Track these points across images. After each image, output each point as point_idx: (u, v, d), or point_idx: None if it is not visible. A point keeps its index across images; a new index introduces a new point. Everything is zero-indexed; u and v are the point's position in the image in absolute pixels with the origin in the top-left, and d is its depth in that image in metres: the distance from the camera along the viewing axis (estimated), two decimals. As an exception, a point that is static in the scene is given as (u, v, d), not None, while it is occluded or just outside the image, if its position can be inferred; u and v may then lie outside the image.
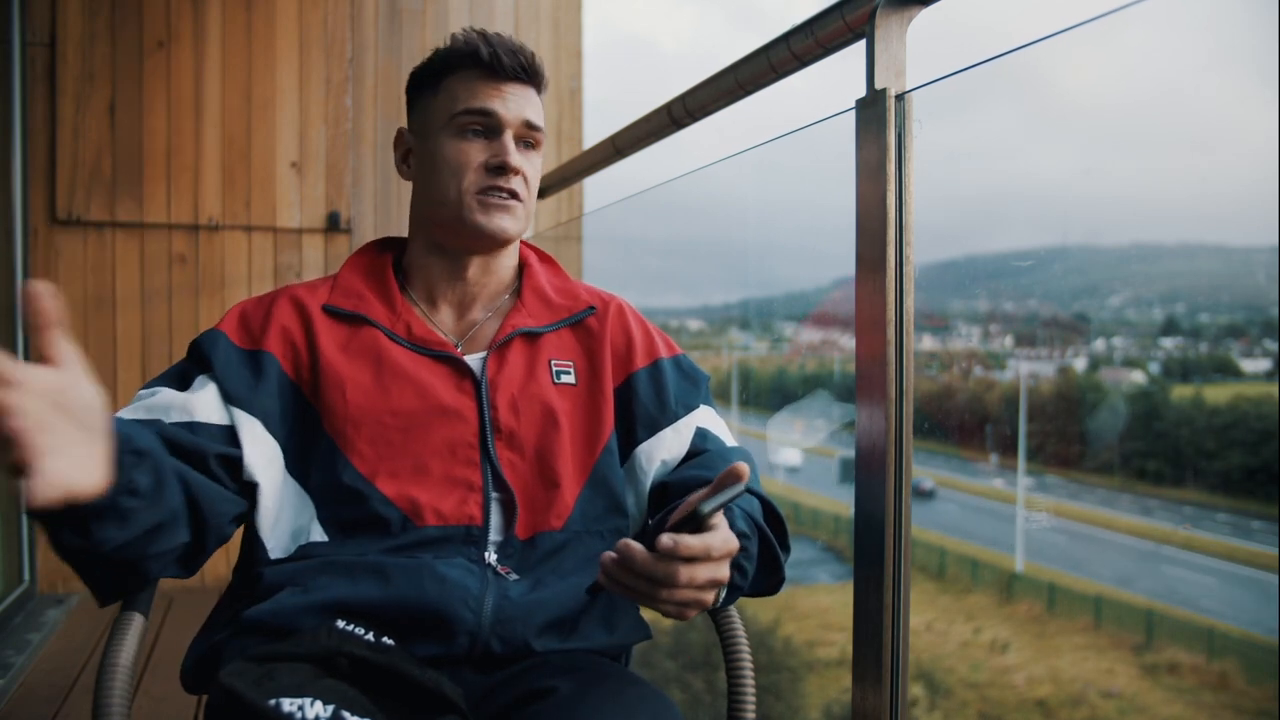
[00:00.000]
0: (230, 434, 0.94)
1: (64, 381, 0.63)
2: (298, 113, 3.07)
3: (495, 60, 1.01)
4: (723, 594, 0.84)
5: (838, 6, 1.06)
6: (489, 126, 1.02)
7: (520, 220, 1.04)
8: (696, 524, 0.76)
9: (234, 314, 1.03)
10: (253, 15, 3.02)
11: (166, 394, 0.95)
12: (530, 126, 1.03)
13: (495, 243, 1.04)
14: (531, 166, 1.05)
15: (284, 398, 0.98)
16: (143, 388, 0.99)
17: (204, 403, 0.95)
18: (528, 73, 1.03)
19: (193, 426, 0.93)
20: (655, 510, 1.04)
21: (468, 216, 1.02)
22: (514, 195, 1.02)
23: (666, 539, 0.73)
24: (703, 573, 0.76)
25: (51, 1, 2.81)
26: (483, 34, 1.03)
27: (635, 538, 0.78)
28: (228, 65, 3.00)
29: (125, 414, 0.94)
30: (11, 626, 2.47)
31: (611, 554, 0.76)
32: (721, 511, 0.79)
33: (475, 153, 1.01)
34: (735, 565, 0.89)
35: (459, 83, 1.02)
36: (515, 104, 1.02)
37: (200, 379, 0.97)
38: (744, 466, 0.76)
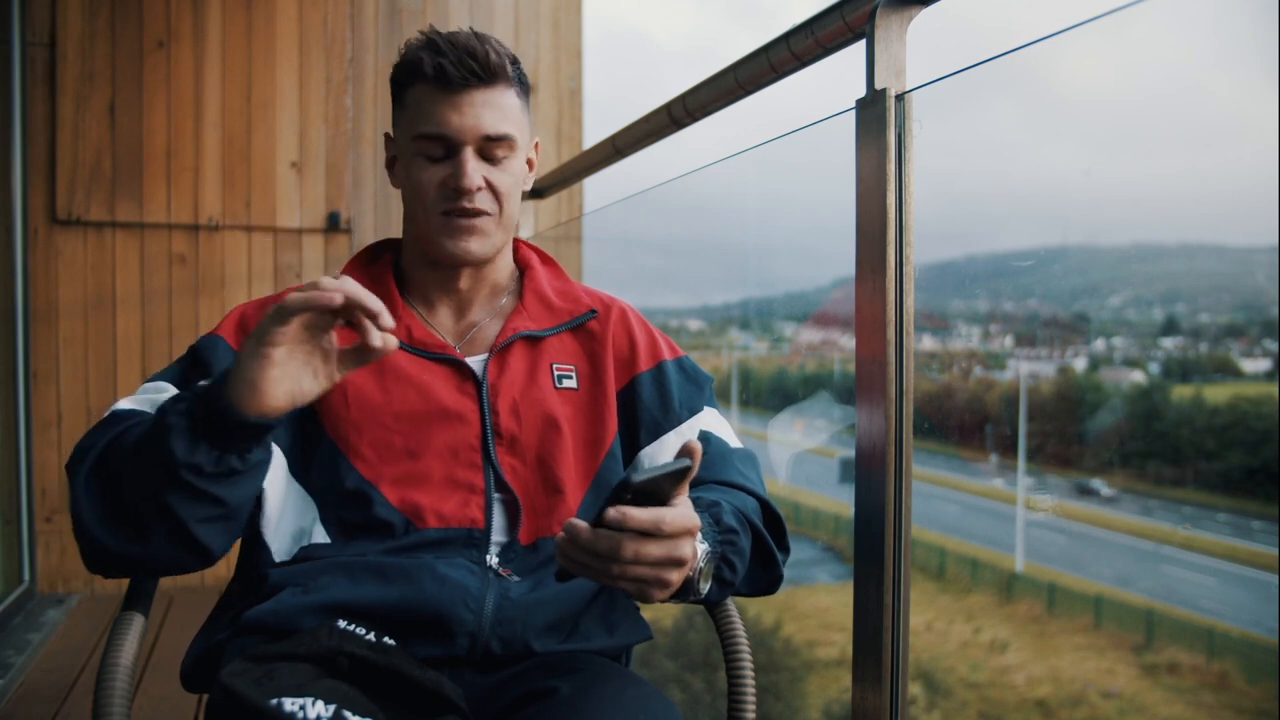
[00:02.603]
0: None
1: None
2: (298, 113, 3.07)
3: (441, 73, 0.96)
4: (704, 587, 0.84)
5: (838, 6, 1.06)
6: (446, 145, 0.98)
7: (491, 236, 1.01)
8: (644, 497, 0.75)
9: (233, 319, 1.02)
10: (253, 15, 3.02)
11: (173, 393, 0.95)
12: (490, 139, 0.98)
13: (465, 264, 1.02)
14: (503, 174, 1.00)
15: None
16: (148, 380, 0.98)
17: None
18: (483, 75, 0.97)
19: None
20: None
21: (435, 239, 1.00)
22: (480, 213, 0.99)
23: (613, 511, 0.74)
24: (655, 549, 0.76)
25: (51, 1, 2.81)
26: (433, 41, 0.98)
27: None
28: (228, 65, 3.00)
29: (128, 403, 0.94)
30: (11, 626, 2.47)
31: (562, 533, 0.77)
32: (686, 491, 0.79)
33: (435, 173, 0.98)
34: (725, 560, 0.89)
35: (416, 98, 0.98)
36: (472, 115, 0.96)
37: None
38: (696, 444, 0.77)
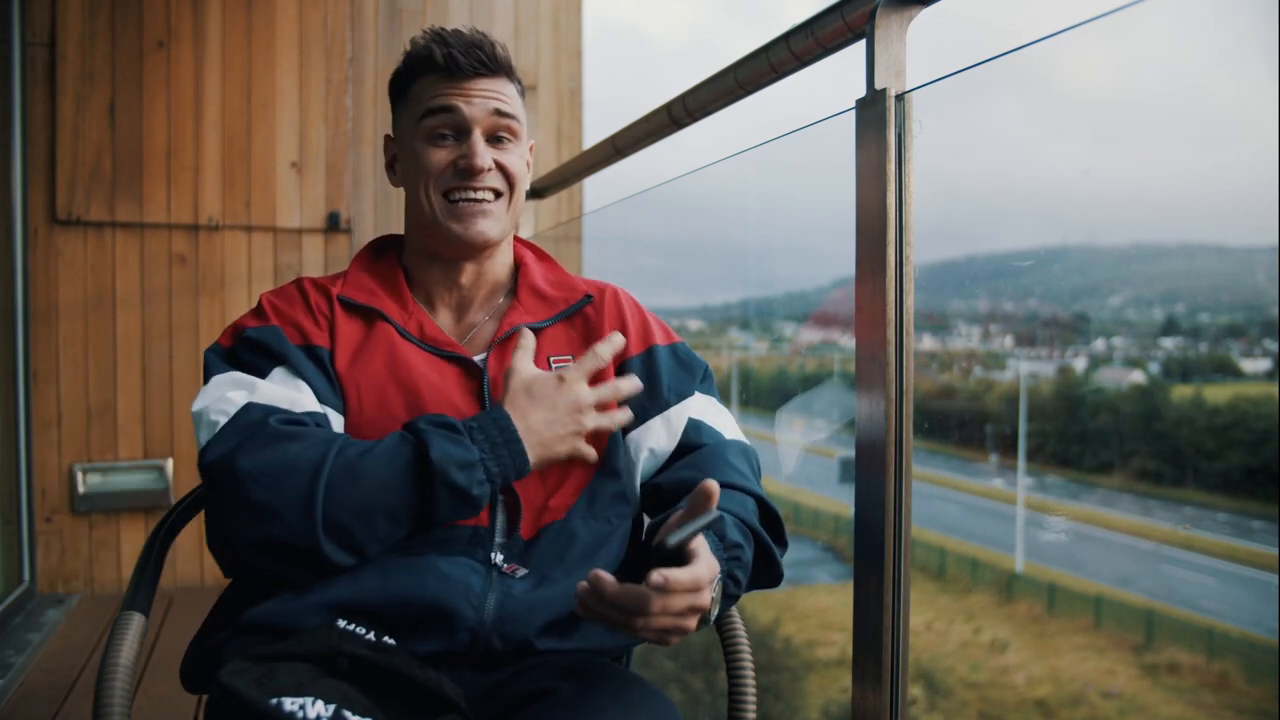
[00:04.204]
0: (329, 423, 0.95)
1: None
2: (298, 113, 3.07)
3: (451, 61, 0.99)
4: (714, 613, 0.85)
5: (838, 6, 1.06)
6: (456, 126, 1.00)
7: (501, 219, 1.03)
8: (673, 557, 0.76)
9: (269, 309, 1.02)
10: (253, 15, 3.02)
11: (265, 385, 0.94)
12: (500, 114, 1.01)
13: (475, 248, 1.03)
14: (512, 156, 1.03)
15: (338, 391, 0.99)
16: (218, 374, 0.96)
17: (306, 395, 0.95)
18: (489, 66, 1.01)
19: (315, 418, 0.94)
20: (650, 513, 1.04)
21: (443, 222, 1.01)
22: (491, 193, 1.01)
23: (657, 575, 0.74)
24: (679, 601, 0.77)
25: (51, 1, 2.81)
26: (440, 34, 1.02)
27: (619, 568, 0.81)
28: (228, 65, 3.00)
29: (245, 396, 0.93)
30: (11, 626, 2.47)
31: (585, 583, 0.77)
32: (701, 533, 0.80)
33: (444, 154, 1.00)
34: (730, 575, 0.89)
35: (423, 87, 1.02)
36: (480, 101, 1.00)
37: (279, 371, 0.96)
38: (714, 486, 0.78)
